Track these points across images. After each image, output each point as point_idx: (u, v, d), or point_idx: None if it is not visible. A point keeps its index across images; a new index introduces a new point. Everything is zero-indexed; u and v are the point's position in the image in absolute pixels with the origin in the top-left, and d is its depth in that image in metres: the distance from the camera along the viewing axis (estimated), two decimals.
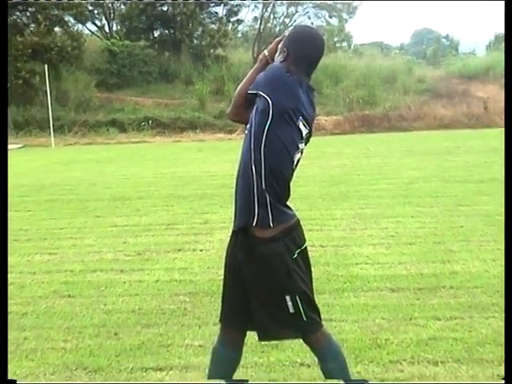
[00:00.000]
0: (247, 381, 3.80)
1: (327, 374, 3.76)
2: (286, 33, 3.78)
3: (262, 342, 4.86)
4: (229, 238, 3.72)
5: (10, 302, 6.44)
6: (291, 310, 3.55)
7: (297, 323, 3.61)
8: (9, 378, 4.17)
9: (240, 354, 3.85)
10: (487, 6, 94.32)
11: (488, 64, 40.93)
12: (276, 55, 3.71)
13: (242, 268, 3.59)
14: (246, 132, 3.60)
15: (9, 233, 9.84)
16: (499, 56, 43.19)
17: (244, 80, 3.74)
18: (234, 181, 3.62)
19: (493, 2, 34.52)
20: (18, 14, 36.40)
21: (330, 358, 3.72)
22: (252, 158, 3.52)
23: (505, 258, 3.67)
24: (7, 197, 3.70)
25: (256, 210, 3.50)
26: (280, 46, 3.70)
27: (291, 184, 3.64)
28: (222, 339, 3.80)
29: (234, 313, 3.72)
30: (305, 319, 3.59)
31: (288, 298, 3.55)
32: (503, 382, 3.26)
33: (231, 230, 3.68)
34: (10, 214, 11.67)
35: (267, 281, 3.56)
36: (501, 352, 4.81)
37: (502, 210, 10.31)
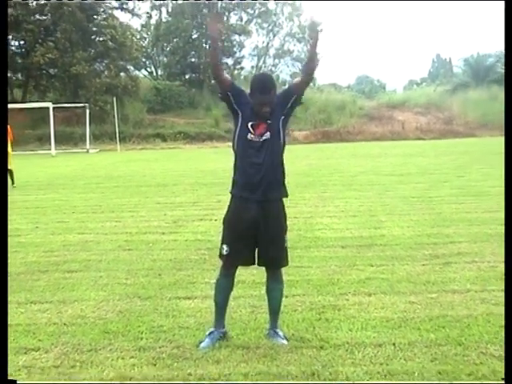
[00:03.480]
0: None
1: (270, 295, 3.88)
2: None
3: (256, 281, 4.88)
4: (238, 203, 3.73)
5: (89, 253, 6.49)
6: (286, 244, 3.77)
7: (286, 254, 3.79)
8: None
9: (233, 282, 3.87)
10: (405, 60, 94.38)
11: (404, 98, 41.14)
12: None
13: (258, 220, 3.64)
14: (270, 132, 3.61)
15: (88, 208, 9.89)
16: (411, 93, 43.39)
17: None
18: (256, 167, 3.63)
19: (409, 56, 34.52)
20: (97, 64, 36.41)
21: (278, 282, 3.87)
22: (281, 150, 3.72)
23: (505, 258, 3.07)
24: (7, 196, 3.42)
25: (283, 187, 3.79)
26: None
27: None
28: (224, 273, 3.81)
29: (238, 255, 3.72)
30: (288, 252, 3.82)
31: (285, 236, 3.76)
32: (503, 382, 2.75)
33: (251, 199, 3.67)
34: (87, 195, 11.69)
35: (278, 223, 3.74)
36: (411, 287, 4.86)
37: (415, 193, 10.42)
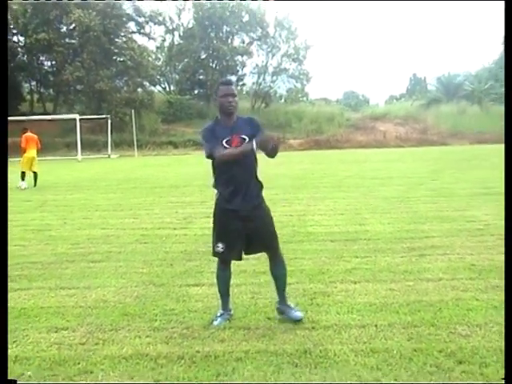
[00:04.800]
0: None
1: (275, 276, 3.85)
2: None
3: (256, 270, 4.87)
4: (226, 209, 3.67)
5: (110, 245, 6.47)
6: (275, 231, 3.78)
7: (277, 240, 3.79)
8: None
9: (231, 271, 3.88)
10: (386, 78, 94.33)
11: (386, 111, 41.13)
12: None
13: (248, 221, 3.60)
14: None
15: (109, 206, 9.88)
16: (392, 107, 43.33)
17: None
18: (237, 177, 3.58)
19: (389, 75, 34.53)
20: (118, 81, 36.51)
21: (280, 264, 3.84)
22: (255, 164, 3.68)
23: (505, 259, 2.83)
24: (7, 198, 3.33)
25: (261, 195, 3.74)
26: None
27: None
28: (221, 267, 3.82)
29: (233, 251, 3.71)
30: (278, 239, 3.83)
31: (273, 225, 3.77)
32: (503, 382, 2.52)
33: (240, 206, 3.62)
34: (109, 195, 11.67)
35: (269, 220, 3.72)
36: (391, 276, 4.84)
37: (395, 194, 10.40)
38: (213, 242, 3.76)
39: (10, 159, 17.31)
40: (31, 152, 13.66)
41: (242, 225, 3.63)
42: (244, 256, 3.86)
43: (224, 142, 3.59)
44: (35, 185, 13.60)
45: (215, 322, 3.75)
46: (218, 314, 3.83)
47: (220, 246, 3.70)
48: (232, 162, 3.55)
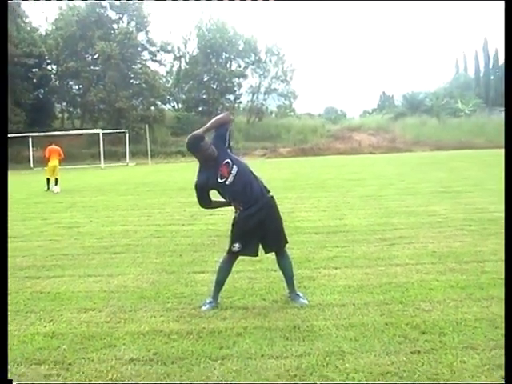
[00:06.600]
0: None
1: (283, 267, 3.80)
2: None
3: (253, 259, 4.84)
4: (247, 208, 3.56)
5: (129, 239, 6.42)
6: (283, 230, 3.73)
7: (284, 240, 3.74)
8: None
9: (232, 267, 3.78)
10: (361, 96, 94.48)
11: (360, 123, 40.88)
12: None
13: (264, 216, 3.56)
14: (235, 165, 3.51)
15: (128, 206, 9.82)
16: (365, 120, 43.14)
17: None
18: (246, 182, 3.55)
19: (363, 93, 34.57)
20: (134, 100, 36.43)
21: (286, 257, 3.79)
22: (248, 167, 3.63)
23: (505, 259, 2.61)
24: (7, 199, 3.20)
25: (265, 188, 3.67)
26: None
27: (266, 182, 3.75)
28: (229, 261, 3.70)
29: (246, 250, 3.64)
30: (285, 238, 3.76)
31: (282, 224, 3.74)
32: (503, 382, 2.25)
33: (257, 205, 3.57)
34: (127, 197, 11.61)
35: (278, 218, 3.68)
36: (367, 262, 4.83)
37: (369, 193, 10.38)
38: (230, 243, 3.63)
39: (45, 168, 16.89)
40: (54, 161, 13.81)
41: (257, 227, 3.56)
42: None
43: (219, 179, 3.48)
44: (52, 188, 13.53)
45: (204, 308, 3.64)
46: (208, 301, 3.71)
47: (236, 246, 3.59)
48: (236, 184, 3.48)
